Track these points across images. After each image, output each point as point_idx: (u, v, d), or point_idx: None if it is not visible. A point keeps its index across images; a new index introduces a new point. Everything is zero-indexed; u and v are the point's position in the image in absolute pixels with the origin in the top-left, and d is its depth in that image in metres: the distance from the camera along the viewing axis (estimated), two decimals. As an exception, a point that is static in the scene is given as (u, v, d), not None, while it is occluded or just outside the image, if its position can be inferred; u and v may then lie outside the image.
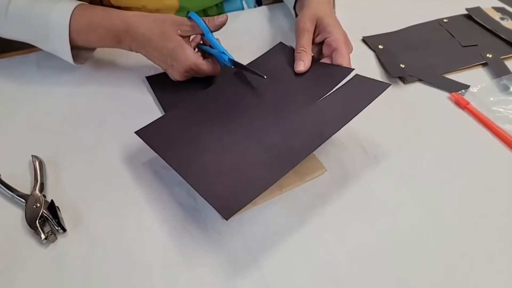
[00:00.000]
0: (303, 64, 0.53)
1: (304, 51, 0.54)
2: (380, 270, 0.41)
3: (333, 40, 0.54)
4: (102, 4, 0.69)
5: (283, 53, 0.58)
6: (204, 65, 0.55)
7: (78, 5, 0.56)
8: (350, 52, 0.56)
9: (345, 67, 0.52)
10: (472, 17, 0.73)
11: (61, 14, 0.54)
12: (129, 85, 0.62)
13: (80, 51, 0.59)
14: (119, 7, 0.70)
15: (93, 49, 0.62)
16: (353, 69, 0.52)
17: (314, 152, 0.50)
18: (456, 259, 0.42)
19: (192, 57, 0.54)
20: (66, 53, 0.57)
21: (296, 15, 0.68)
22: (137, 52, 0.58)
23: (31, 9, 0.55)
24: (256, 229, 0.44)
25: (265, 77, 0.51)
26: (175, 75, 0.57)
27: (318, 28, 0.56)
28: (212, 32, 0.56)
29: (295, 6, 0.68)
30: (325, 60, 0.55)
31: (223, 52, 0.55)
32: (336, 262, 0.41)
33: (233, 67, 0.55)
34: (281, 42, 0.60)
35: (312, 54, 0.56)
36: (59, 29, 0.55)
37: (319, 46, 0.57)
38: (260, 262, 0.41)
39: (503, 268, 0.41)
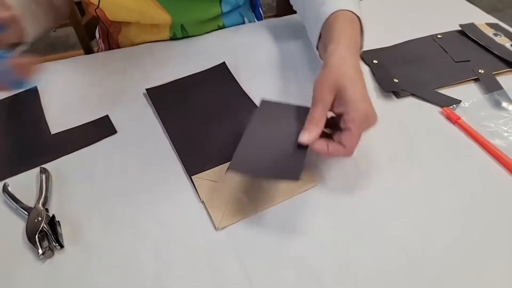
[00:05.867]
0: (307, 134, 0.46)
1: (313, 123, 0.47)
2: (367, 283, 0.42)
3: (349, 120, 0.46)
4: (99, 19, 0.71)
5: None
6: None
7: None
8: (367, 128, 0.47)
9: (297, 173, 0.45)
10: (466, 33, 0.75)
11: None
12: (130, 97, 0.64)
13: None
14: (119, 22, 0.73)
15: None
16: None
17: (306, 164, 0.52)
18: (442, 274, 0.42)
19: None
20: None
21: (319, 54, 0.60)
22: None
23: None
24: (247, 240, 0.45)
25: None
26: None
27: (338, 100, 0.48)
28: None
29: (318, 45, 0.60)
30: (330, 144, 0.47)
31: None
32: (324, 274, 0.42)
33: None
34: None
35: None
36: None
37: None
38: (250, 272, 0.42)
39: (490, 283, 0.42)
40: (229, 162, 0.46)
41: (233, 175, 0.51)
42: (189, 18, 0.73)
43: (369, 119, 0.47)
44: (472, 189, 0.50)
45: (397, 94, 0.63)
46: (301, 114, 0.50)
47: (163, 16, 0.70)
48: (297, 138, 0.47)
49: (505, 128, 0.57)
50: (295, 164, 0.46)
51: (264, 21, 0.83)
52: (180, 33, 0.74)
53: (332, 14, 0.55)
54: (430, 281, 0.42)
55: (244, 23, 0.84)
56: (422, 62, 0.70)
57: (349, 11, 0.55)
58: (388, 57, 0.70)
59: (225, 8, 0.76)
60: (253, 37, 0.76)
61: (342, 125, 0.48)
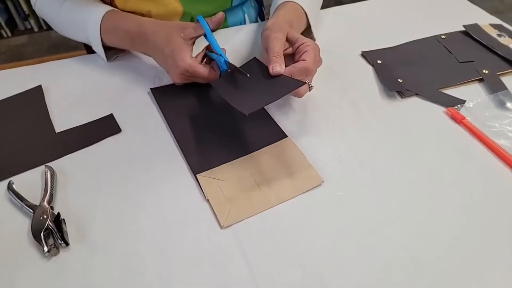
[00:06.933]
0: (279, 65, 0.53)
1: (280, 55, 0.55)
2: (370, 282, 0.42)
3: (305, 45, 0.55)
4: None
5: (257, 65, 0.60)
6: (199, 68, 0.58)
7: (109, 10, 0.65)
8: (319, 65, 0.58)
9: (298, 80, 0.52)
10: (470, 33, 0.75)
11: (95, 17, 0.64)
12: (135, 96, 0.64)
13: (111, 51, 0.69)
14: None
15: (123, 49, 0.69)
16: (305, 83, 0.52)
17: (311, 163, 0.52)
18: (445, 274, 0.42)
19: (188, 60, 0.57)
20: (100, 51, 0.67)
21: None
22: (148, 55, 0.64)
23: (76, 13, 0.66)
24: (252, 238, 0.45)
25: (248, 75, 0.54)
26: (174, 76, 0.61)
27: (289, 41, 0.58)
28: (213, 31, 0.60)
29: None
30: (292, 65, 0.55)
31: (220, 55, 0.58)
32: (328, 273, 0.42)
33: (228, 70, 0.58)
34: (255, 57, 0.61)
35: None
36: (93, 32, 0.65)
37: (288, 57, 0.58)
38: (255, 271, 0.42)
39: (493, 282, 0.42)
40: (233, 161, 0.50)
41: (239, 173, 0.51)
42: (199, 9, 0.73)
43: (318, 47, 0.57)
44: (476, 189, 0.50)
45: (402, 94, 0.63)
46: (254, 64, 0.58)
47: (174, 5, 0.71)
48: (267, 77, 0.54)
49: (510, 128, 0.57)
50: (286, 82, 0.52)
51: (266, 22, 0.83)
52: None
53: (283, 2, 0.67)
54: (433, 281, 0.42)
55: (245, 21, 0.84)
56: (426, 62, 0.70)
57: (298, 4, 0.67)
58: (392, 58, 0.70)
59: (236, 0, 0.78)
60: (255, 37, 0.76)
61: (297, 56, 0.56)
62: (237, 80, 0.56)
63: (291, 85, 0.52)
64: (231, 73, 0.57)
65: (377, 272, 0.42)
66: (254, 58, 0.60)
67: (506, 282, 0.42)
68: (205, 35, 0.59)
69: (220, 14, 0.59)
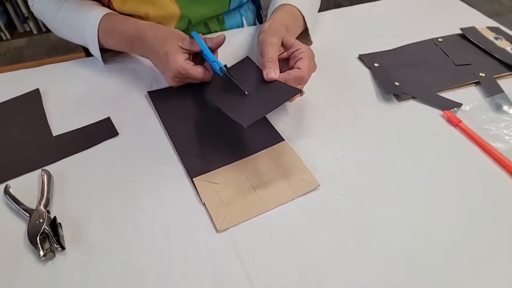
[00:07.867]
0: (273, 71, 0.54)
1: (274, 61, 0.55)
2: (369, 286, 0.42)
3: (300, 52, 0.56)
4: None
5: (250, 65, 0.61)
6: (193, 71, 0.58)
7: (106, 13, 0.65)
8: (313, 71, 0.58)
9: (293, 87, 0.53)
10: (467, 36, 0.75)
11: (93, 20, 0.64)
12: (132, 99, 0.64)
13: (108, 53, 0.69)
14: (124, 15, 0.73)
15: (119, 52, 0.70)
16: (300, 90, 0.53)
17: (307, 167, 0.52)
18: (444, 277, 0.42)
19: (180, 62, 0.58)
20: (97, 54, 0.67)
21: None
22: (146, 57, 0.64)
23: (74, 15, 0.66)
24: (248, 242, 0.45)
25: (246, 92, 0.54)
26: (168, 79, 0.61)
27: (284, 46, 0.59)
28: (211, 49, 0.60)
29: None
30: (286, 72, 0.56)
31: (214, 61, 0.58)
32: (325, 276, 0.42)
33: (223, 76, 0.57)
34: (247, 57, 0.62)
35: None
36: (91, 34, 0.65)
37: (283, 61, 0.59)
38: (251, 275, 0.42)
39: (491, 285, 0.42)
40: (230, 164, 0.50)
41: (236, 176, 0.51)
42: (197, 12, 0.74)
43: (313, 53, 0.57)
44: (473, 192, 0.50)
45: (398, 97, 0.63)
46: (248, 66, 0.59)
47: (172, 8, 0.71)
48: (261, 82, 0.54)
49: (506, 132, 0.57)
50: (281, 89, 0.53)
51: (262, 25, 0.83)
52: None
53: (280, 5, 0.68)
54: (433, 283, 0.42)
55: (242, 24, 0.84)
56: (423, 65, 0.70)
57: (295, 7, 0.67)
58: (389, 60, 0.71)
59: (234, 3, 0.78)
60: (253, 40, 0.76)
61: (292, 62, 0.56)
62: (230, 85, 0.56)
63: (287, 94, 0.53)
64: (224, 79, 0.57)
65: (376, 275, 0.42)
66: (247, 57, 0.60)
67: (506, 282, 0.42)
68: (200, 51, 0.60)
69: (222, 36, 0.60)
